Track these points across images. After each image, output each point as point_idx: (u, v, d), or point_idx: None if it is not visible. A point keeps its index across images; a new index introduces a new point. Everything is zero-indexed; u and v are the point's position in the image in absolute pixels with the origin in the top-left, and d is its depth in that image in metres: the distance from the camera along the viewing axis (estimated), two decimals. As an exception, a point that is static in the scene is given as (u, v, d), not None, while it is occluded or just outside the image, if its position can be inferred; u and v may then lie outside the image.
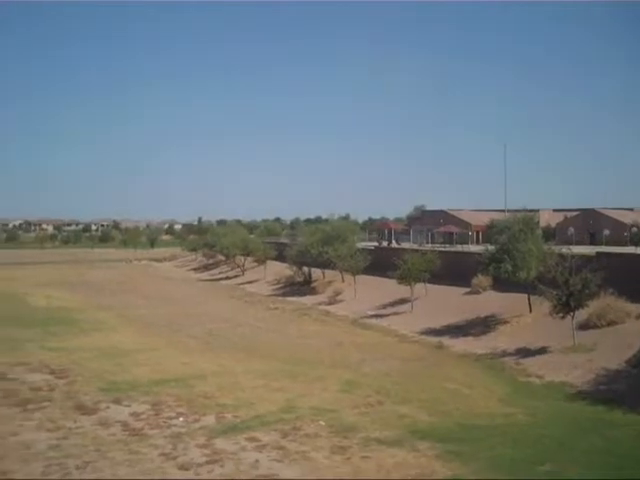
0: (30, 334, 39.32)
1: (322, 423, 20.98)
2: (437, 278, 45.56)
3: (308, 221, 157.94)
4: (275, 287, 66.11)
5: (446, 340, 36.23)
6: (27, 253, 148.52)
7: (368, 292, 51.43)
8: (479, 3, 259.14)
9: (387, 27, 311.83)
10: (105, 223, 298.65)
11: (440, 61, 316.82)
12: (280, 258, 71.39)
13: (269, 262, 74.16)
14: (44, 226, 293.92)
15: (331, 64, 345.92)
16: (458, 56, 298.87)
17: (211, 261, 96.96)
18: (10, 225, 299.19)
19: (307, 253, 60.81)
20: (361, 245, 64.15)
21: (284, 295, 60.73)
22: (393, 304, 47.22)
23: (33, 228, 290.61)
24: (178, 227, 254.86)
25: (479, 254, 40.89)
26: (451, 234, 79.80)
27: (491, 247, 40.46)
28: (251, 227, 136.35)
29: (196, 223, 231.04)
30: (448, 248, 65.64)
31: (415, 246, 62.72)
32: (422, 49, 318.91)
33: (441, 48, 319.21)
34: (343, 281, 56.92)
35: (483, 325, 37.80)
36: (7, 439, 19.37)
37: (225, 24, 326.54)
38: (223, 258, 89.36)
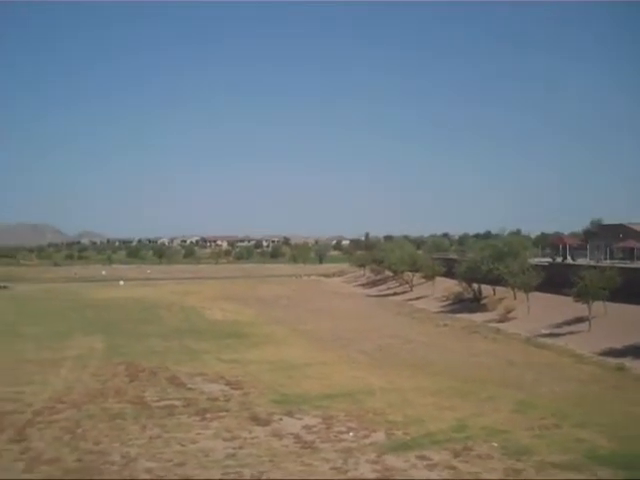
0: (207, 346, 41.10)
1: (495, 444, 20.34)
2: (616, 296, 43.13)
3: (477, 236, 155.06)
4: (444, 304, 65.26)
5: (629, 362, 34.12)
6: (203, 268, 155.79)
7: (542, 310, 49.58)
8: None
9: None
10: (276, 239, 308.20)
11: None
12: (449, 274, 70.43)
13: (437, 278, 73.36)
14: (219, 242, 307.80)
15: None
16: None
17: (379, 277, 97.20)
18: (188, 242, 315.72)
19: (477, 269, 59.62)
20: (534, 261, 62.07)
21: (453, 312, 59.79)
22: (569, 323, 45.18)
23: (209, 244, 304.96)
24: (346, 243, 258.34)
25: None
26: (632, 249, 75.37)
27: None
28: (418, 243, 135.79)
29: (363, 239, 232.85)
30: (629, 264, 62.09)
31: (592, 262, 59.85)
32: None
33: None
34: (515, 298, 55.24)
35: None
36: (187, 446, 20.24)
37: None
38: (391, 274, 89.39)
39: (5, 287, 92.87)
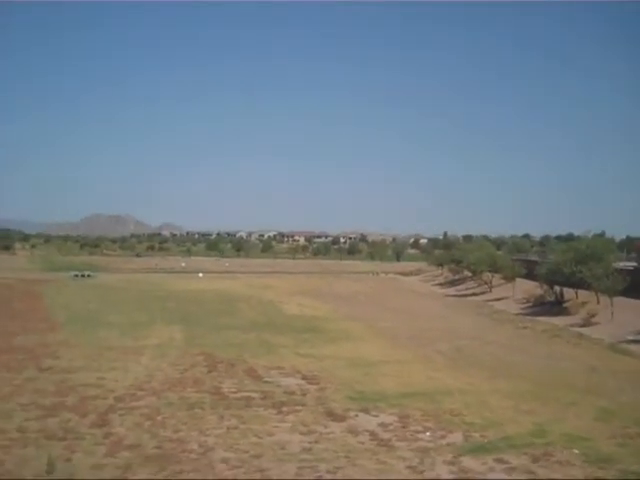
0: (284, 340, 41.36)
1: (575, 451, 19.77)
2: None
3: (559, 238, 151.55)
4: (524, 306, 64.04)
5: None
6: (280, 263, 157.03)
7: (627, 315, 48.09)
8: None
9: None
10: (353, 236, 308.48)
11: None
12: (529, 276, 69.15)
13: (518, 280, 72.09)
14: (296, 238, 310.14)
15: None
16: None
17: (457, 277, 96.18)
18: (265, 236, 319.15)
19: (558, 272, 58.33)
20: (618, 265, 60.28)
21: (533, 314, 58.60)
22: (657, 329, 43.74)
23: (286, 239, 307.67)
24: (423, 241, 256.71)
25: None
26: None
27: None
28: (498, 243, 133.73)
29: (442, 238, 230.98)
30: None
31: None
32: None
33: None
34: (598, 302, 53.74)
35: None
36: (264, 439, 20.36)
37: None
38: (469, 274, 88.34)
39: (89, 276, 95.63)
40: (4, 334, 40.63)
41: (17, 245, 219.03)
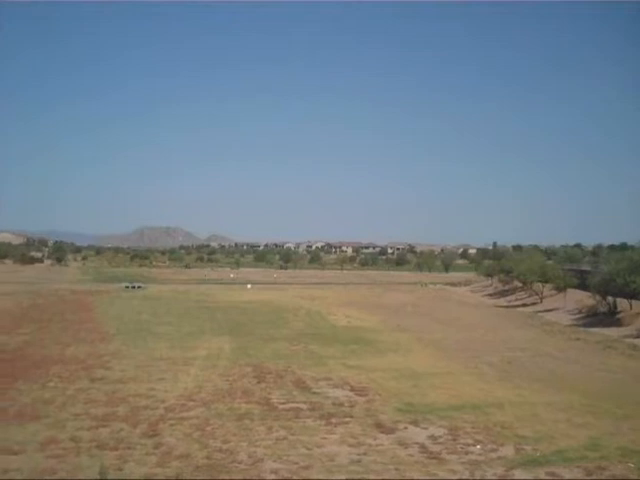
0: (332, 351, 41.30)
1: (631, 465, 19.31)
2: None
3: (612, 247, 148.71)
4: (576, 317, 62.95)
5: None
6: (328, 273, 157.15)
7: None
8: None
9: None
10: (401, 246, 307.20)
11: None
12: (581, 286, 68.02)
13: (569, 290, 70.97)
14: (344, 248, 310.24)
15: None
16: None
17: (507, 287, 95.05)
18: (313, 247, 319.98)
19: (611, 282, 57.25)
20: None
21: (585, 325, 57.57)
22: None
23: (334, 250, 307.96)
24: (472, 252, 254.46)
25: None
26: None
27: None
28: (549, 253, 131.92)
29: (491, 248, 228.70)
30: None
31: None
32: None
33: None
34: (654, 313, 52.64)
35: None
36: (313, 450, 20.33)
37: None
38: (519, 284, 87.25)
39: (140, 287, 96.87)
40: (57, 345, 41.39)
41: (69, 257, 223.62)
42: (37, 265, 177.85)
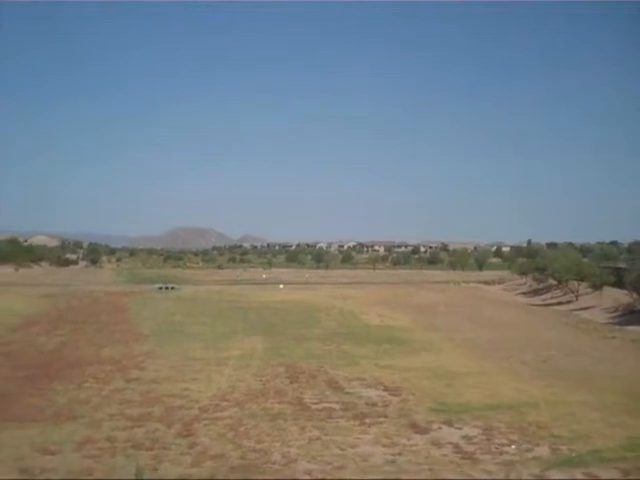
0: (364, 351, 41.21)
1: (670, 466, 19.04)
2: None
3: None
4: (612, 315, 62.13)
5: None
6: (360, 273, 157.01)
7: None
8: None
9: None
10: (433, 245, 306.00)
11: None
12: (617, 284, 67.14)
13: (605, 288, 70.11)
14: (376, 247, 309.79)
15: None
16: None
17: (541, 285, 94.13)
18: (345, 246, 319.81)
19: (648, 279, 56.49)
20: None
21: (622, 324, 56.80)
22: None
23: (365, 249, 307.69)
24: (506, 249, 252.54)
25: None
26: None
27: None
28: (584, 250, 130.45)
29: (525, 245, 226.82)
30: None
31: None
32: None
33: None
34: (691, 311, 51.80)
35: None
36: (347, 450, 20.31)
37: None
38: (554, 283, 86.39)
39: (173, 288, 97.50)
40: (92, 345, 41.85)
41: (104, 259, 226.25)
42: (72, 267, 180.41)
